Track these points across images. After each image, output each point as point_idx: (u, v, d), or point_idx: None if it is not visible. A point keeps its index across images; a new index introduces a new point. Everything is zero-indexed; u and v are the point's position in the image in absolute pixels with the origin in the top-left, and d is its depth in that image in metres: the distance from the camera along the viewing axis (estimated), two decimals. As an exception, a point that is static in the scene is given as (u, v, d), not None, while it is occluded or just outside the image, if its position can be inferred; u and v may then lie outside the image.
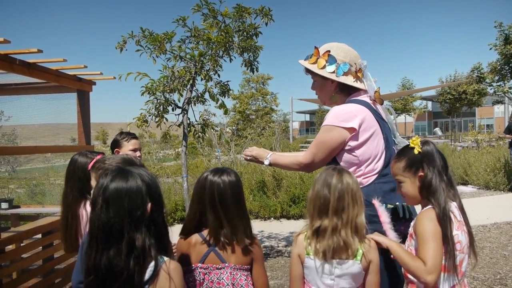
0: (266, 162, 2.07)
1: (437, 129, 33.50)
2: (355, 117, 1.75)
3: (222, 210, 1.53)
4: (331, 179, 1.54)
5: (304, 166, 1.92)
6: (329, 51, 1.88)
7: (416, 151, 1.58)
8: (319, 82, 1.94)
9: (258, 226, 6.42)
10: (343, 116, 1.77)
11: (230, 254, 1.55)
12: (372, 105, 1.85)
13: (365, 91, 1.89)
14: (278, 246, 5.29)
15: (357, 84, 1.87)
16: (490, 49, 14.91)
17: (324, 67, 1.88)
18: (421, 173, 1.57)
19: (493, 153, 10.11)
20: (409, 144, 1.61)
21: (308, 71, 1.96)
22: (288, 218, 6.95)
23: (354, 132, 1.74)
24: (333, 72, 1.86)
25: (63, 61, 3.32)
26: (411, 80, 31.96)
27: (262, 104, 26.15)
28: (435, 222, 1.46)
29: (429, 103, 47.92)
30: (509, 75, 15.00)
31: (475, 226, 5.90)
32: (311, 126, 60.70)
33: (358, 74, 1.88)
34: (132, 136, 2.90)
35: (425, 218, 1.48)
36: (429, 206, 1.52)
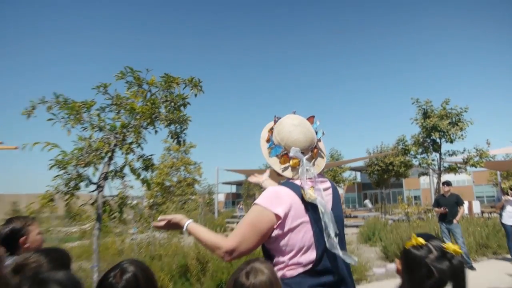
0: (186, 224, 1.94)
1: (367, 201, 35.53)
2: (281, 204, 1.78)
3: None
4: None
5: (224, 252, 1.79)
6: (271, 130, 2.00)
7: (406, 244, 1.65)
8: None
9: (181, 320, 6.03)
10: (272, 199, 1.80)
11: None
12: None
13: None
14: None
15: (284, 173, 1.92)
16: (412, 123, 16.83)
17: (268, 140, 2.00)
18: (398, 265, 1.68)
19: (423, 226, 10.92)
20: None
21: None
22: (216, 309, 6.66)
23: (279, 220, 1.77)
24: (268, 150, 1.98)
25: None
26: (339, 150, 34.11)
27: (184, 174, 25.86)
28: None
29: (358, 174, 51.23)
30: (431, 147, 16.84)
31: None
32: (238, 198, 60.84)
33: (291, 162, 1.91)
34: (31, 217, 2.72)
35: None
36: None
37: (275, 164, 1.94)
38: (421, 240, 1.57)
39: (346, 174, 37.11)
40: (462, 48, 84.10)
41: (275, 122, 2.03)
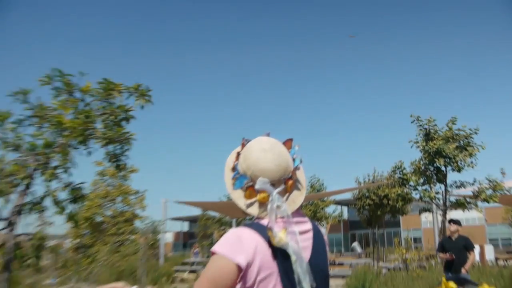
0: None
1: (356, 244, 35.95)
2: (243, 251, 1.76)
3: None
4: None
5: None
6: (236, 156, 2.01)
7: None
8: None
9: None
10: (232, 245, 1.79)
11: None
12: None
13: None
14: None
15: (250, 209, 1.94)
16: (411, 146, 17.15)
17: (233, 169, 2.01)
18: None
19: (425, 277, 11.12)
20: None
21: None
22: None
23: (241, 272, 1.75)
24: (232, 181, 1.99)
25: None
26: (321, 179, 34.35)
27: (122, 207, 25.39)
28: None
29: (345, 210, 51.79)
30: (435, 177, 17.13)
31: None
32: (191, 238, 60.27)
33: (258, 196, 1.91)
34: None
35: None
36: None
37: (239, 198, 1.95)
38: (452, 285, 1.66)
39: (330, 209, 37.38)
40: (471, 57, 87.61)
41: (243, 146, 2.05)
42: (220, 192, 51.21)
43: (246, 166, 1.94)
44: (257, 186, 1.88)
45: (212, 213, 44.62)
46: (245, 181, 1.92)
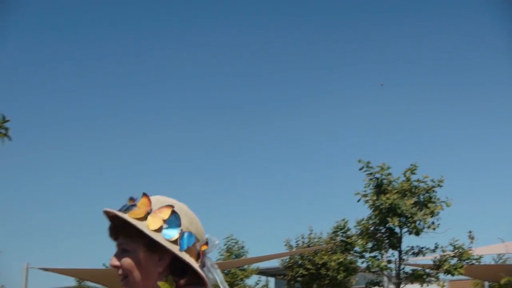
0: None
1: (283, 327, 35.30)
2: None
3: None
4: None
5: None
6: (171, 206, 1.94)
7: None
8: (139, 252, 1.87)
9: None
10: None
11: None
12: None
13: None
14: None
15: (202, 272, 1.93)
16: (358, 200, 16.98)
17: (160, 229, 1.87)
18: None
19: None
20: None
21: (126, 229, 1.90)
22: None
23: None
24: (175, 241, 1.86)
25: None
26: (240, 241, 34.09)
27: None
28: None
29: (271, 282, 51.58)
30: (387, 241, 17.01)
31: None
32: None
33: (200, 260, 1.97)
34: None
35: None
36: None
37: (191, 260, 1.90)
38: None
39: (252, 281, 37.35)
40: (438, 87, 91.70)
41: (146, 205, 1.94)
42: (105, 256, 49.52)
43: (188, 223, 1.99)
44: (210, 247, 2.01)
45: (92, 285, 43.18)
46: (194, 241, 1.95)
